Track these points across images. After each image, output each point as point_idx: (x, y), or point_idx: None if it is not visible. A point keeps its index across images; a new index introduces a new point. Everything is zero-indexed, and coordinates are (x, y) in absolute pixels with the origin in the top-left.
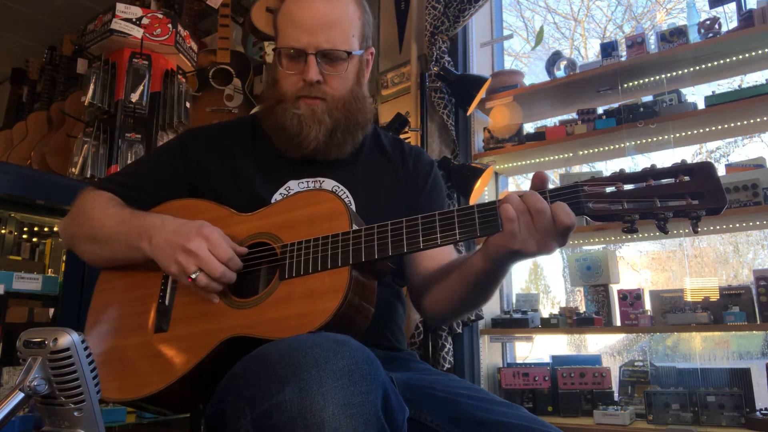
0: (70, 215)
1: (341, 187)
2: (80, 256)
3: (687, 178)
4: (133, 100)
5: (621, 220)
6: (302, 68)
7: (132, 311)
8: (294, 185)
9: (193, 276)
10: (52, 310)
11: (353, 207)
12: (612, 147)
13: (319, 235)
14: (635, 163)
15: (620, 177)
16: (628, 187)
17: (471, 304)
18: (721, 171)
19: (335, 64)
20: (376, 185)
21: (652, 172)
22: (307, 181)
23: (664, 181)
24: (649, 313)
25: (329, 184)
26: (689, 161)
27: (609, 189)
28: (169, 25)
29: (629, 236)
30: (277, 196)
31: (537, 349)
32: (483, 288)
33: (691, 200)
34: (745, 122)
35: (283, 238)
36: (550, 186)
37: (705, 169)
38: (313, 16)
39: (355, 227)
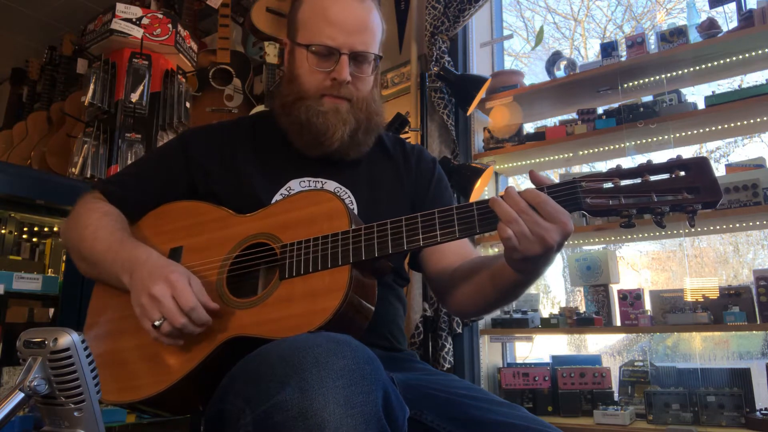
0: (69, 223)
1: (343, 188)
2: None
3: (682, 173)
4: (133, 100)
5: (618, 215)
6: (331, 66)
7: (131, 313)
8: (295, 185)
9: (157, 323)
10: (52, 310)
11: (355, 208)
12: (612, 147)
13: (319, 234)
14: (635, 163)
15: (617, 173)
16: (625, 182)
17: (503, 304)
18: (721, 171)
19: (363, 67)
20: (378, 186)
21: (648, 168)
22: (309, 181)
23: (660, 176)
24: (649, 313)
25: (331, 185)
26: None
27: (606, 185)
28: (169, 25)
29: (628, 235)
30: (277, 197)
31: (537, 349)
32: (517, 293)
33: (686, 194)
34: (745, 122)
35: (283, 238)
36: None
37: (700, 164)
38: (350, 16)
39: (354, 227)
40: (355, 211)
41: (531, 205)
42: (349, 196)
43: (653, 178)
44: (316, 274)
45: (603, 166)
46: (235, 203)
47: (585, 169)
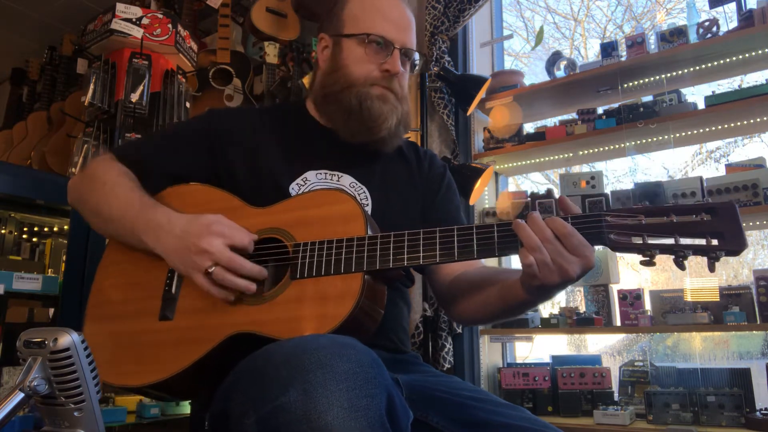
0: (81, 179)
1: (359, 183)
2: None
3: (708, 217)
4: (133, 100)
5: (640, 254)
6: (382, 59)
7: (137, 296)
8: (311, 176)
9: (210, 270)
10: (52, 310)
11: (369, 204)
12: (612, 147)
13: (333, 236)
14: (635, 163)
15: (643, 210)
16: (649, 220)
17: (508, 318)
18: (721, 171)
19: (407, 64)
20: (392, 185)
21: (674, 209)
22: (325, 173)
23: (686, 218)
24: (649, 313)
25: (347, 179)
26: (690, 162)
27: (631, 221)
28: (169, 25)
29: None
30: (294, 186)
31: (537, 349)
32: (523, 311)
33: (711, 239)
34: (745, 122)
35: (296, 235)
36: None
37: (727, 210)
38: (403, 16)
39: (370, 232)
40: (369, 208)
41: (556, 235)
42: (364, 192)
43: (678, 218)
44: (328, 277)
45: (603, 166)
46: (251, 188)
47: (585, 168)
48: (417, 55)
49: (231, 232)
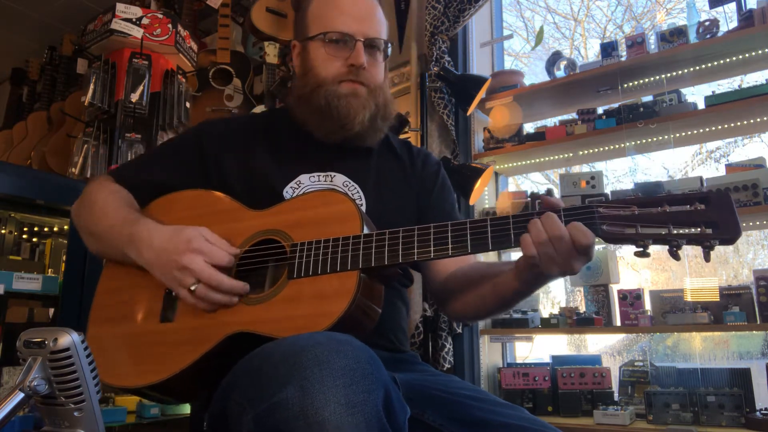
0: (80, 201)
1: (352, 182)
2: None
3: (702, 206)
4: (133, 100)
5: (634, 244)
6: (347, 54)
7: (139, 298)
8: (305, 179)
9: (192, 288)
10: (52, 310)
11: (363, 204)
12: (612, 147)
13: (330, 236)
14: (635, 163)
15: (636, 201)
16: (642, 210)
17: (502, 311)
18: (721, 171)
19: (375, 54)
20: (386, 184)
21: (667, 198)
22: (318, 175)
23: (679, 207)
24: (649, 313)
25: (340, 179)
26: (690, 162)
27: (624, 212)
28: (169, 25)
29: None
30: (288, 190)
31: (537, 349)
32: (517, 301)
33: (705, 229)
34: (745, 122)
35: (294, 236)
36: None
37: (721, 199)
38: (361, 6)
39: (366, 231)
40: (364, 206)
41: (572, 239)
42: (358, 191)
43: (672, 208)
44: (325, 276)
45: (603, 166)
46: (246, 195)
47: (585, 168)
48: (390, 45)
49: (210, 250)
